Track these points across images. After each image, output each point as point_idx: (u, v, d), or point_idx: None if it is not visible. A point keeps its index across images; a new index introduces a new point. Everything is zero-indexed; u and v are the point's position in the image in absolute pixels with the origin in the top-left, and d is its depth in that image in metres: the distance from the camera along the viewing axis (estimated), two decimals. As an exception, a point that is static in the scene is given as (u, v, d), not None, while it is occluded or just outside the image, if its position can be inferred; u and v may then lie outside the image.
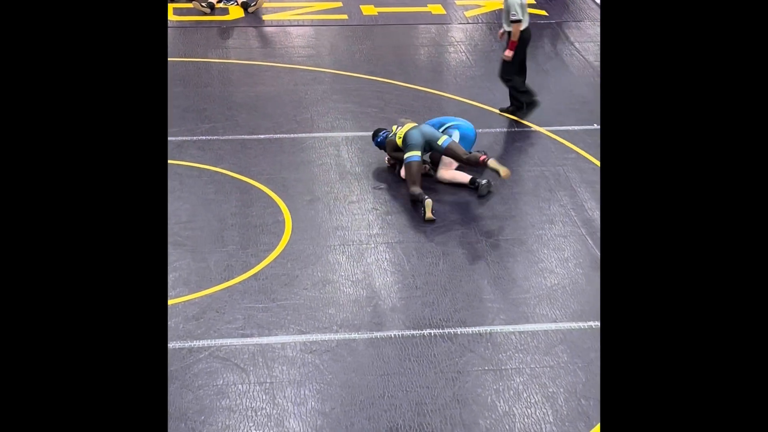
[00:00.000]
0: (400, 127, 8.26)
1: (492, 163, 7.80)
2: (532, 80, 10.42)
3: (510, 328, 6.36)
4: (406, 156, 7.96)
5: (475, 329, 6.33)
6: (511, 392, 5.77)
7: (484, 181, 8.00)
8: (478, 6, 12.80)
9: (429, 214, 7.59)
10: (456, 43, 11.55)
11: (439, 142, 8.02)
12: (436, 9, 12.61)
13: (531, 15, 12.42)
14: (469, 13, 12.48)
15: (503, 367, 5.98)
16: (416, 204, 7.73)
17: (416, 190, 7.76)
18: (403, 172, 8.07)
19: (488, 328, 6.35)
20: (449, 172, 8.19)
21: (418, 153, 7.93)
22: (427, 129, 8.14)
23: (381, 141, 8.43)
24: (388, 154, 8.36)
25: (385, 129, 8.53)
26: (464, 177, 8.13)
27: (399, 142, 8.13)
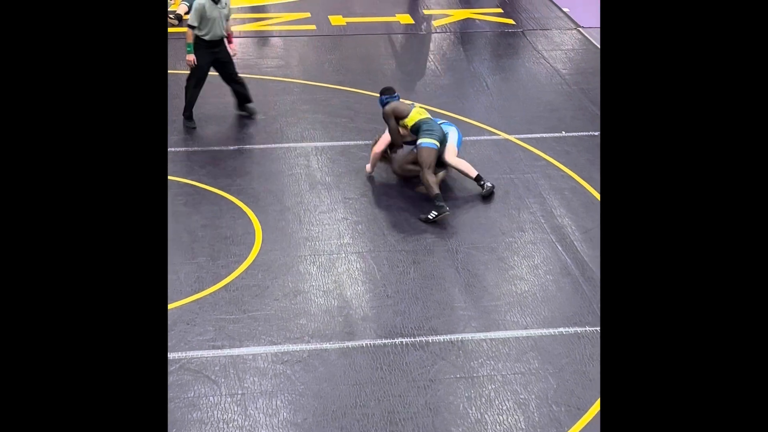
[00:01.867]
0: (413, 107, 8.37)
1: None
2: (500, 88, 10.50)
3: (481, 335, 6.39)
4: (423, 140, 8.05)
5: (447, 337, 6.35)
6: (483, 399, 5.79)
7: (489, 184, 8.14)
8: (446, 15, 12.86)
9: (439, 218, 7.74)
10: (424, 53, 11.59)
11: (420, 140, 8.15)
12: (405, 19, 12.65)
13: (497, 24, 12.52)
14: (437, 23, 12.54)
15: (475, 375, 6.00)
16: (431, 200, 7.80)
17: (436, 189, 7.88)
18: (394, 165, 8.28)
19: (460, 336, 6.37)
20: (454, 158, 8.25)
21: (437, 143, 8.10)
22: (440, 124, 8.34)
23: (387, 100, 8.37)
24: (390, 115, 8.27)
25: (396, 94, 8.51)
26: (470, 170, 8.22)
27: (409, 123, 8.20)
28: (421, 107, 8.41)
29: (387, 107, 8.28)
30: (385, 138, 8.32)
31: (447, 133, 8.31)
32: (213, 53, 9.15)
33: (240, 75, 9.53)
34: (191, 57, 9.08)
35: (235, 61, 9.42)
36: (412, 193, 8.18)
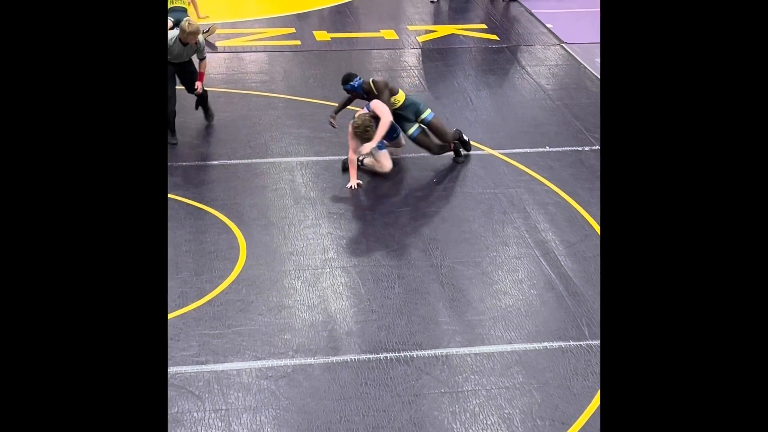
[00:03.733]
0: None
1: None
2: (484, 103, 10.55)
3: (466, 350, 6.39)
4: (411, 131, 8.72)
5: (432, 352, 6.35)
6: (468, 414, 5.79)
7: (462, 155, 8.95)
8: (431, 31, 12.91)
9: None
10: (409, 68, 11.63)
11: (425, 115, 8.78)
12: (389, 34, 12.70)
13: (481, 40, 12.58)
14: (421, 38, 12.59)
15: (459, 390, 6.00)
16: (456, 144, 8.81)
17: (449, 137, 8.79)
18: (382, 156, 8.70)
19: (444, 351, 6.37)
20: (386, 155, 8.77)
21: (417, 125, 8.74)
22: (414, 98, 8.92)
23: (357, 86, 8.77)
24: (384, 93, 8.65)
25: (358, 75, 8.90)
26: (384, 167, 8.73)
27: (400, 99, 8.70)
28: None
29: (381, 81, 8.78)
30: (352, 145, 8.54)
31: (419, 105, 8.89)
32: (175, 66, 9.14)
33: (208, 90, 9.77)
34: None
35: (217, 76, 9.42)
36: (396, 209, 8.19)
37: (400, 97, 8.71)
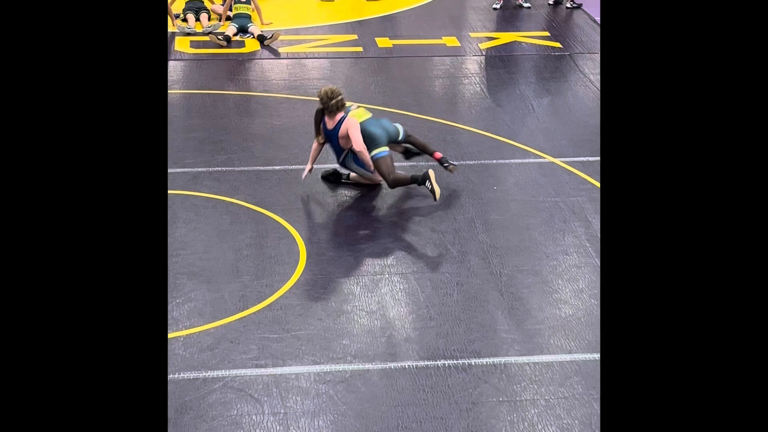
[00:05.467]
0: (355, 106, 8.57)
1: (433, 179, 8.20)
2: (546, 111, 10.48)
3: (524, 359, 6.35)
4: (374, 153, 8.28)
5: (490, 360, 6.32)
6: (526, 424, 5.75)
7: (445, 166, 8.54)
8: (493, 38, 12.88)
9: (436, 186, 8.07)
10: (471, 75, 11.61)
11: (400, 137, 8.52)
12: (451, 41, 12.69)
13: (543, 47, 12.51)
14: (483, 45, 12.56)
15: (518, 399, 5.96)
16: (419, 183, 8.18)
17: (407, 177, 8.25)
18: (350, 177, 8.46)
19: (503, 359, 6.33)
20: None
21: (386, 148, 8.33)
22: (385, 122, 8.50)
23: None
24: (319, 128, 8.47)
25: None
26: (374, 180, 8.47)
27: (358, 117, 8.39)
28: (363, 108, 8.63)
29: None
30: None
31: (396, 128, 8.58)
32: None
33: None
34: None
35: (279, 82, 9.48)
36: (455, 216, 8.17)
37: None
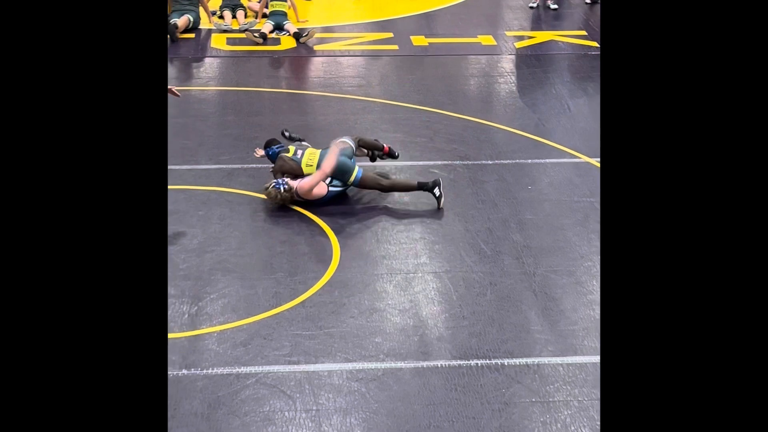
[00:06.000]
0: (301, 152, 8.36)
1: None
2: (582, 111, 10.41)
3: (558, 360, 6.31)
4: (353, 178, 8.18)
5: (523, 360, 6.29)
6: (559, 425, 5.72)
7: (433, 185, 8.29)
8: (529, 37, 12.82)
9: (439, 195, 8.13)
10: (506, 74, 11.57)
11: (354, 148, 8.37)
12: (487, 40, 12.66)
13: (580, 46, 12.43)
14: (519, 44, 12.51)
15: (551, 400, 5.93)
16: (428, 189, 8.17)
17: (411, 182, 8.26)
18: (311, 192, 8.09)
19: (536, 360, 6.30)
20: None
21: (357, 167, 8.22)
22: (342, 159, 8.21)
23: (272, 155, 8.48)
24: (278, 172, 8.31)
25: (280, 144, 8.55)
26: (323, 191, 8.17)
27: (308, 168, 8.20)
28: (309, 149, 8.44)
29: (278, 158, 8.34)
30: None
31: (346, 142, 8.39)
32: None
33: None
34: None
35: (314, 80, 9.50)
36: (489, 215, 8.14)
37: (305, 167, 8.21)
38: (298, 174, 8.24)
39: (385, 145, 8.78)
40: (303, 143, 8.59)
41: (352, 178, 8.22)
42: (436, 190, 8.16)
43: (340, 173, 8.16)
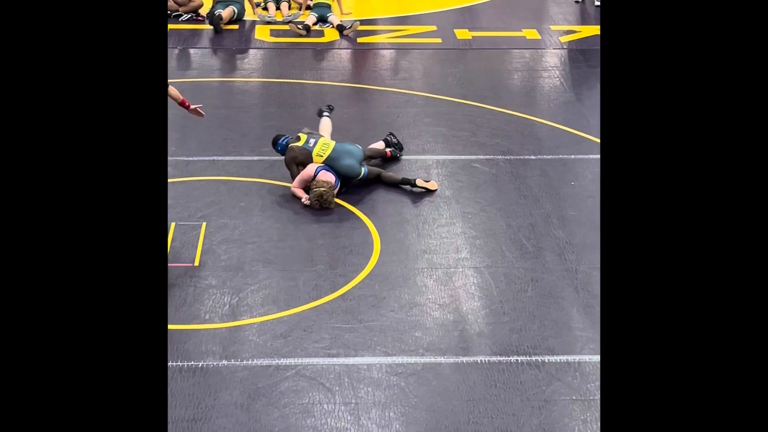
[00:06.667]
0: (313, 141, 8.27)
1: (420, 182, 8.29)
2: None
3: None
4: (360, 177, 8.23)
5: (564, 358, 6.24)
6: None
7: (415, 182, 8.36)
8: (574, 32, 12.71)
9: (427, 184, 8.26)
10: (550, 69, 11.48)
11: (360, 176, 8.30)
12: (531, 34, 12.56)
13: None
14: (564, 39, 12.40)
15: (591, 398, 5.87)
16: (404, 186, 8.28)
17: (396, 176, 8.37)
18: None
19: (577, 357, 6.25)
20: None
21: (363, 169, 8.25)
22: (349, 147, 8.27)
23: (281, 148, 8.44)
24: (290, 168, 8.27)
25: (286, 135, 8.52)
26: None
27: (318, 158, 8.17)
28: (323, 138, 8.36)
29: (288, 149, 8.29)
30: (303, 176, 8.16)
31: (357, 147, 8.39)
32: None
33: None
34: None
35: (358, 73, 9.46)
36: (532, 210, 8.08)
37: (317, 157, 8.18)
38: (308, 163, 8.22)
39: (387, 151, 8.80)
40: (315, 133, 8.52)
41: (360, 177, 8.28)
42: (418, 182, 8.28)
43: (346, 178, 8.21)
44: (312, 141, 8.31)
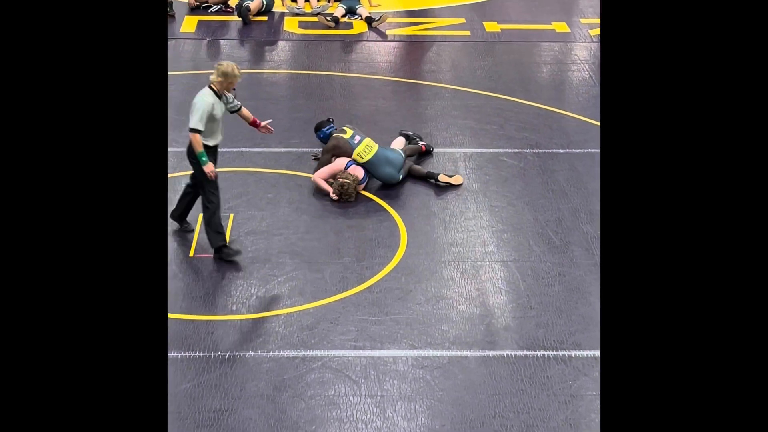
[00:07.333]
0: (359, 139, 8.24)
1: (443, 177, 8.27)
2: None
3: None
4: (399, 177, 8.24)
5: (590, 353, 6.21)
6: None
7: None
8: (603, 24, 12.62)
9: (451, 180, 8.23)
10: (579, 62, 11.40)
11: (404, 163, 8.29)
12: (561, 27, 12.49)
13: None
14: (594, 32, 12.32)
15: (618, 394, 5.85)
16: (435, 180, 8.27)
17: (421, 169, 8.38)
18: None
19: (603, 353, 6.22)
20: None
21: (399, 176, 8.23)
22: (390, 154, 8.23)
23: (324, 136, 8.47)
24: (326, 155, 8.27)
25: (331, 124, 8.56)
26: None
27: (358, 158, 8.14)
28: (368, 140, 8.29)
29: (332, 138, 8.31)
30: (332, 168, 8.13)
31: (399, 154, 8.31)
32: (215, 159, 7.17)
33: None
34: (211, 167, 6.92)
35: (385, 65, 9.40)
36: (559, 205, 8.05)
37: (358, 157, 8.15)
38: (347, 156, 8.21)
39: (422, 145, 8.78)
40: (361, 132, 8.48)
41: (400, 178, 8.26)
42: (440, 178, 8.26)
43: (386, 181, 8.23)
44: (357, 138, 8.28)
